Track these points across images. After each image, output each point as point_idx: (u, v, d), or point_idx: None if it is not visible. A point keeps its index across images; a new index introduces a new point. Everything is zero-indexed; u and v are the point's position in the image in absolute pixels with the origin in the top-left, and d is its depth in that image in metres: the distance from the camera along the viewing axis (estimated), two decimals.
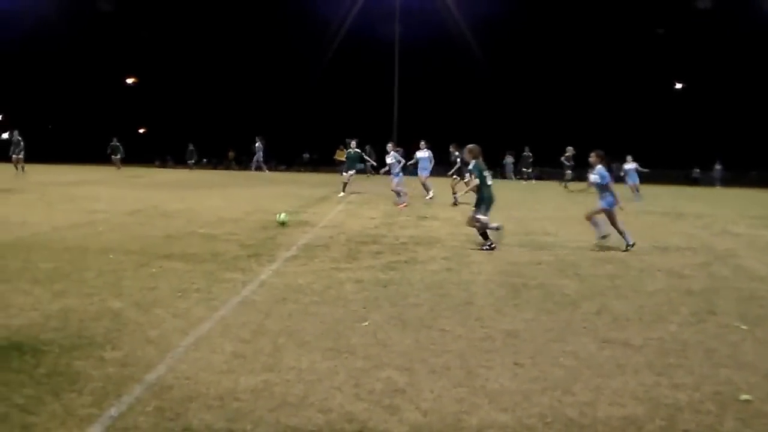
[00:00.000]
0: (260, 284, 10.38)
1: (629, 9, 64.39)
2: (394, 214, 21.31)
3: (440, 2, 61.81)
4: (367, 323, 8.39)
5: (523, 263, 13.00)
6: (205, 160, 69.10)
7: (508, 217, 19.07)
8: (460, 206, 23.02)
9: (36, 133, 48.62)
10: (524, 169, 50.46)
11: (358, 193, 28.86)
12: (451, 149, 27.75)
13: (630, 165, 32.88)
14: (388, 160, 25.91)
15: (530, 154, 50.67)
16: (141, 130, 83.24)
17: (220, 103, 74.59)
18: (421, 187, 27.05)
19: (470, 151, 15.30)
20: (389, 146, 26.59)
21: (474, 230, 14.76)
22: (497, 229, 14.77)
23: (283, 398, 5.91)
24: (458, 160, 26.02)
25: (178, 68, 76.95)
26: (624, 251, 14.48)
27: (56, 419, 5.32)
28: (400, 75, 61.32)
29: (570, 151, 40.27)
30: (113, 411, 5.49)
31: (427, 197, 26.37)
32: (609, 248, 14.74)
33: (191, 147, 55.83)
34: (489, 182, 14.82)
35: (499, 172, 51.61)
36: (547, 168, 57.25)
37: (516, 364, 7.01)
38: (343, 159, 33.57)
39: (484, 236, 14.53)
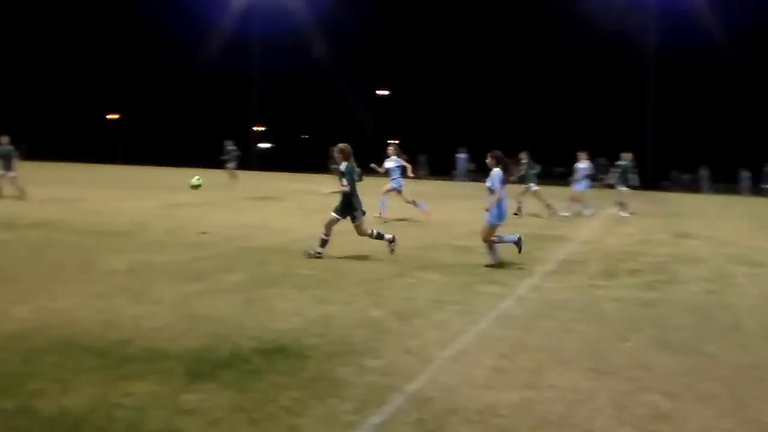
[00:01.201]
0: (518, 299, 10.21)
1: None
2: (651, 230, 20.60)
3: (699, 8, 59.37)
4: (629, 344, 8.01)
5: None
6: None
7: None
8: (719, 226, 21.96)
9: (293, 144, 50.64)
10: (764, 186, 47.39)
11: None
12: (521, 156, 26.25)
13: None
14: (388, 164, 22.50)
15: None
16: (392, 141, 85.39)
17: (472, 113, 75.13)
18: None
19: (341, 150, 13.76)
20: (390, 149, 22.71)
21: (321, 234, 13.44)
22: (391, 240, 13.62)
23: (544, 417, 5.68)
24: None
25: (430, 80, 78.42)
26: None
27: (320, 423, 5.34)
28: (655, 84, 59.74)
29: None
30: (375, 419, 5.45)
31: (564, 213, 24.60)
32: None
33: (421, 158, 56.00)
34: (355, 189, 13.62)
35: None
36: None
37: None
38: None
39: (322, 243, 13.27)
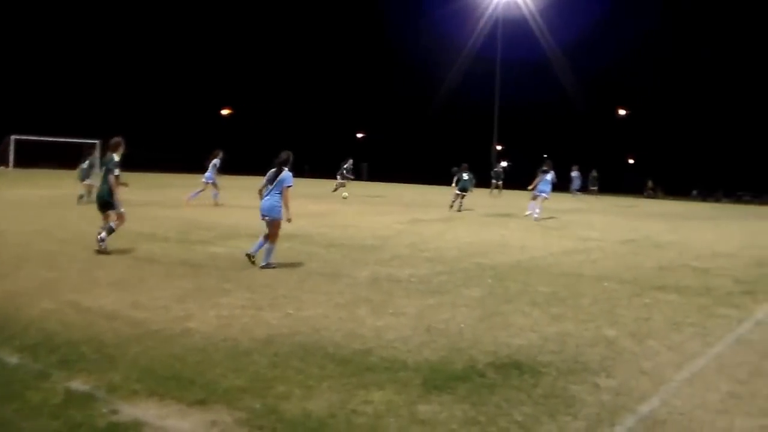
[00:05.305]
0: (756, 323, 9.90)
1: None
2: None
3: None
4: None
5: None
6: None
7: None
8: None
9: (531, 162, 50.94)
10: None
11: None
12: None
13: None
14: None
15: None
16: (630, 161, 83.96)
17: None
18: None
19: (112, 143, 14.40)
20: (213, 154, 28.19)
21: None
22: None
23: None
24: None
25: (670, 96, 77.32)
26: None
27: None
28: None
29: None
30: None
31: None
32: None
33: (594, 173, 52.73)
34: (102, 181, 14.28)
35: None
36: None
37: None
38: None
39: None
